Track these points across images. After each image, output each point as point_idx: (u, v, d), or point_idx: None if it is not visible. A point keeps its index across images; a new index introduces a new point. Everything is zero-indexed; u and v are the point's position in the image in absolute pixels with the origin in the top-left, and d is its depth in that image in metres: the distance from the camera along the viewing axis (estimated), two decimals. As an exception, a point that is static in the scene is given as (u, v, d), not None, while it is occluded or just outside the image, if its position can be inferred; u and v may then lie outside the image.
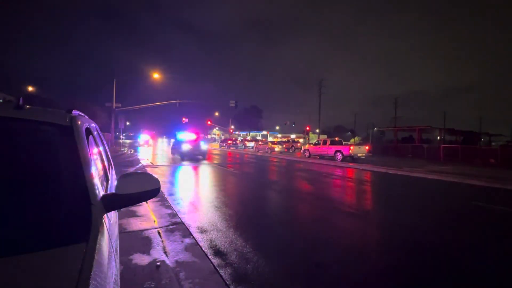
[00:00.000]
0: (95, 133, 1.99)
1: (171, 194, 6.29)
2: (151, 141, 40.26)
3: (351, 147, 17.25)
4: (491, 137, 32.59)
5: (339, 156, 17.32)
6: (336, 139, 19.66)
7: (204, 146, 16.59)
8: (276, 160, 18.18)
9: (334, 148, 17.97)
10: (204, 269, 2.75)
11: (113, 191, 1.18)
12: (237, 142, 39.03)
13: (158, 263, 2.78)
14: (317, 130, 47.04)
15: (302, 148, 23.03)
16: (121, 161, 13.21)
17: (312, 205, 5.90)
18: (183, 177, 9.36)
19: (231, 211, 5.04)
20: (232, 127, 59.82)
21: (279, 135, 61.31)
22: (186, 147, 15.46)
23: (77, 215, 0.98)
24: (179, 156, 15.89)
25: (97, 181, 1.18)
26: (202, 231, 3.90)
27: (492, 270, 3.03)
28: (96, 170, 1.29)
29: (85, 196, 1.03)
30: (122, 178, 1.21)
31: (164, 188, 6.82)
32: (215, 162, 15.00)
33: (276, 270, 2.80)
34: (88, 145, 1.34)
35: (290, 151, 28.93)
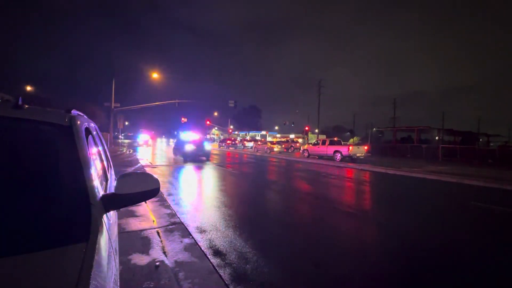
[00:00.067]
0: (94, 133, 1.99)
1: (170, 194, 6.28)
2: (150, 141, 39.97)
3: (350, 147, 17.28)
4: (489, 137, 32.70)
5: (338, 156, 17.34)
6: (335, 139, 19.69)
7: (208, 146, 16.06)
8: (275, 160, 18.18)
9: (333, 148, 17.99)
10: (203, 269, 2.75)
11: (113, 191, 1.18)
12: (236, 142, 39.00)
13: (157, 263, 2.78)
14: (316, 130, 47.11)
15: (301, 148, 23.06)
16: (120, 161, 13.18)
17: (311, 205, 5.91)
18: (182, 177, 9.35)
19: (230, 211, 5.04)
20: (231, 127, 59.82)
21: (278, 135, 61.33)
22: (189, 147, 14.96)
23: (77, 215, 0.98)
24: (182, 157, 15.37)
25: (96, 181, 1.18)
26: (201, 231, 3.90)
27: (490, 268, 3.04)
28: (95, 170, 1.29)
29: (84, 196, 1.03)
30: (122, 178, 1.21)
31: (163, 188, 6.81)
32: (214, 162, 14.99)
33: (275, 270, 2.81)
34: (88, 145, 1.33)
35: (289, 151, 28.95)
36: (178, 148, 16.31)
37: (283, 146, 29.07)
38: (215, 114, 61.84)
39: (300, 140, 41.33)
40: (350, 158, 17.24)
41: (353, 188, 8.25)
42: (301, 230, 4.26)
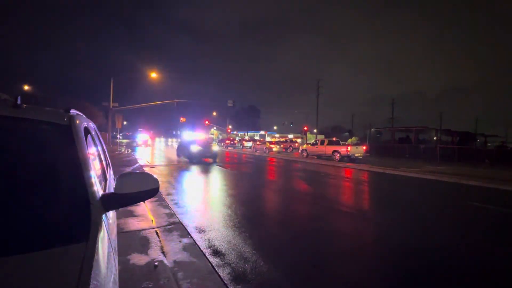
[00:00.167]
0: (93, 132, 1.99)
1: (168, 194, 6.28)
2: (149, 141, 39.45)
3: (349, 147, 17.32)
4: (487, 138, 32.88)
5: (337, 156, 17.38)
6: (334, 139, 19.74)
7: (215, 147, 15.14)
8: (274, 160, 18.19)
9: (332, 148, 18.04)
10: (202, 269, 2.75)
11: (112, 191, 1.18)
12: (235, 142, 38.97)
13: (156, 263, 2.77)
14: (315, 130, 47.15)
15: (300, 148, 23.09)
16: (118, 161, 13.14)
17: (309, 205, 5.92)
18: (181, 177, 9.33)
19: (229, 210, 5.04)
20: (230, 127, 59.79)
21: (277, 135, 61.32)
22: (195, 148, 13.90)
23: (77, 215, 0.98)
24: (187, 159, 14.39)
25: (96, 180, 1.18)
26: (200, 230, 3.89)
27: (486, 266, 3.06)
28: (94, 169, 1.28)
29: (84, 195, 1.03)
30: (121, 177, 1.21)
31: (161, 188, 6.80)
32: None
33: (274, 269, 2.81)
34: (87, 145, 1.33)
35: (288, 151, 28.97)
36: (183, 149, 15.42)
37: (282, 146, 29.08)
38: (214, 114, 61.81)
39: (299, 140, 41.36)
40: (349, 158, 17.28)
41: (351, 188, 8.27)
42: (300, 229, 4.26)
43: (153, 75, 27.02)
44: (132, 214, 4.40)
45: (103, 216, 1.08)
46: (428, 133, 28.78)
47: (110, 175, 2.37)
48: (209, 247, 3.30)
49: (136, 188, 1.18)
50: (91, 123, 2.09)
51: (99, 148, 2.05)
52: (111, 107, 25.21)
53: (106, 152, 2.58)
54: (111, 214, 1.45)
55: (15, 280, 0.69)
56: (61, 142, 1.21)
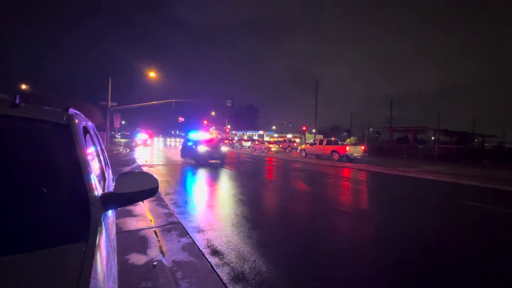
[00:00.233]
0: (92, 132, 1.98)
1: (167, 194, 6.27)
2: (149, 141, 38.95)
3: (347, 147, 17.37)
4: (484, 138, 33.08)
5: (336, 156, 17.42)
6: (333, 139, 19.78)
7: (223, 148, 14.09)
8: (273, 159, 18.20)
9: (331, 148, 18.08)
10: (201, 268, 2.75)
11: (111, 190, 1.18)
12: (234, 142, 38.95)
13: (155, 263, 2.77)
14: (314, 130, 47.17)
15: (299, 148, 23.12)
16: (117, 160, 13.10)
17: (308, 204, 5.93)
18: (179, 177, 9.32)
19: (227, 210, 5.04)
20: (229, 126, 59.76)
21: (276, 135, 61.37)
22: (202, 149, 12.71)
23: (76, 214, 0.98)
24: (193, 161, 13.30)
25: (95, 180, 1.18)
26: (199, 230, 3.89)
27: (483, 265, 3.08)
28: (93, 169, 1.28)
29: (84, 195, 1.03)
30: (121, 177, 1.20)
31: (160, 188, 6.78)
32: (212, 161, 14.96)
33: (273, 269, 2.81)
34: (86, 144, 1.33)
35: (287, 151, 29.00)
36: (187, 149, 14.03)
37: (280, 146, 29.11)
38: (213, 113, 61.70)
39: (297, 140, 41.43)
40: (347, 158, 17.32)
41: (350, 187, 8.29)
42: (299, 229, 4.27)
43: (152, 74, 26.94)
44: (130, 214, 4.39)
45: (103, 215, 1.08)
46: (426, 133, 28.91)
47: (109, 174, 2.37)
48: (208, 247, 3.30)
49: (136, 188, 1.18)
50: (89, 123, 2.08)
51: (98, 147, 2.05)
52: (109, 106, 25.13)
53: (105, 152, 2.57)
54: (111, 213, 1.45)
55: (15, 280, 0.69)
56: (60, 141, 1.21)
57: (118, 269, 2.45)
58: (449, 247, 3.65)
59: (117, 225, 3.77)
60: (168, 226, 3.94)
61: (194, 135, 14.44)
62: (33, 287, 0.68)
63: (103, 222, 1.04)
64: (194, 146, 13.12)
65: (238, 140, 40.13)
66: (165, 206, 5.04)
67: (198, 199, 6.03)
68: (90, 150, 1.54)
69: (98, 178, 1.51)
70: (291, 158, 19.34)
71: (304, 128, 39.98)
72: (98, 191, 1.13)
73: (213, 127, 62.59)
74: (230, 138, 40.78)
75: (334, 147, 17.91)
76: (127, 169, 10.34)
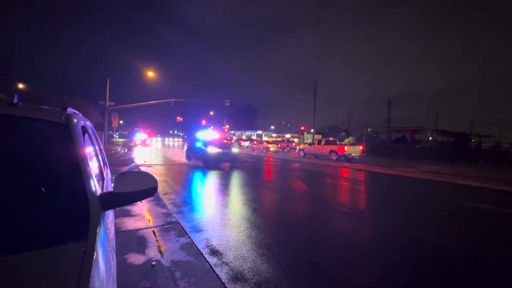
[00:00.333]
0: (90, 131, 1.98)
1: (165, 194, 6.25)
2: (148, 140, 38.52)
3: (346, 147, 17.42)
4: (481, 138, 33.26)
5: (334, 156, 17.46)
6: (331, 139, 19.84)
7: (235, 149, 12.72)
8: (271, 159, 18.21)
9: (329, 148, 18.12)
10: (200, 268, 2.74)
11: (110, 190, 1.18)
12: (232, 141, 38.89)
13: (153, 263, 2.76)
14: (312, 130, 47.26)
15: (297, 148, 23.14)
16: (115, 160, 13.05)
17: (307, 204, 5.94)
18: (178, 177, 9.30)
19: (226, 210, 5.04)
20: (227, 126, 59.70)
21: (274, 135, 61.45)
22: (212, 150, 11.35)
23: (76, 214, 0.98)
24: (201, 163, 11.94)
25: (94, 179, 1.17)
26: (198, 230, 3.89)
27: (480, 264, 3.11)
28: (92, 168, 1.28)
29: (83, 194, 1.02)
30: (120, 176, 1.20)
31: (159, 188, 6.75)
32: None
33: (272, 269, 2.82)
34: (84, 143, 1.33)
35: (285, 150, 29.01)
36: (194, 151, 12.54)
37: (279, 145, 29.13)
38: (211, 113, 61.58)
39: (296, 140, 41.48)
40: (346, 158, 17.37)
41: (348, 187, 8.32)
42: (297, 228, 4.28)
43: (150, 74, 26.87)
44: (129, 214, 4.38)
45: (102, 215, 1.07)
46: (424, 133, 29.03)
47: (108, 174, 2.36)
48: (207, 247, 3.30)
49: (135, 187, 1.18)
50: (88, 122, 2.08)
51: (97, 147, 2.04)
52: (107, 105, 25.03)
53: (103, 151, 2.56)
54: (109, 213, 1.44)
55: (14, 279, 0.69)
56: (59, 140, 1.20)
57: (116, 268, 2.45)
58: (446, 246, 3.67)
59: (115, 224, 3.77)
60: (166, 226, 3.94)
61: (203, 135, 13.05)
62: (32, 286, 0.68)
63: (102, 222, 1.03)
64: (203, 147, 11.70)
65: (237, 140, 40.11)
66: (164, 206, 5.03)
67: (196, 199, 6.02)
68: (89, 149, 1.54)
69: (97, 177, 1.51)
70: (290, 158, 19.36)
71: (302, 128, 39.98)
72: (97, 190, 1.12)
73: (212, 127, 62.48)
74: (228, 138, 40.69)
75: (332, 147, 17.95)
76: (125, 169, 10.30)
